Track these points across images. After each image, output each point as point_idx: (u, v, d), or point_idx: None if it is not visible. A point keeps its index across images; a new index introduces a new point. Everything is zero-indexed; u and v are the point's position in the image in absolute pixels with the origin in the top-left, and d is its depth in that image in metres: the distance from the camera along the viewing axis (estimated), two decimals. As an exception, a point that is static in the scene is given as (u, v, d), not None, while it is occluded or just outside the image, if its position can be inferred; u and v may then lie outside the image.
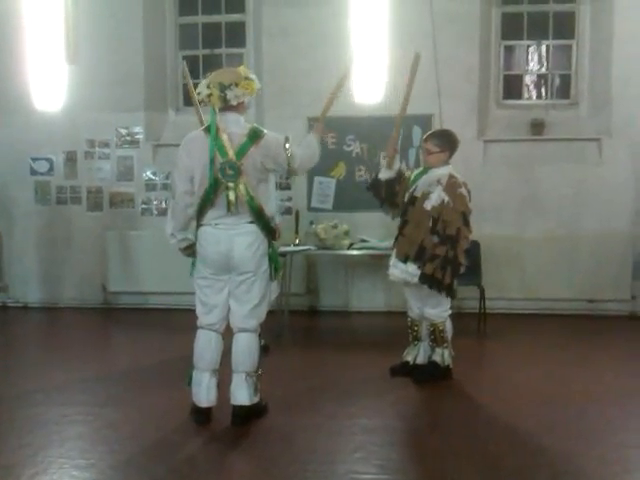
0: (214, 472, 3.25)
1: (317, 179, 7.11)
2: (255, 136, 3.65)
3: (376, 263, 6.72)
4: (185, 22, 7.67)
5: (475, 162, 6.92)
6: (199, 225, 3.74)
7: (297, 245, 6.32)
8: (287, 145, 3.71)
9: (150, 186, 7.41)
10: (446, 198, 4.35)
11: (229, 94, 3.59)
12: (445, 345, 4.58)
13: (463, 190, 4.42)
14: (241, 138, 3.63)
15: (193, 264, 3.85)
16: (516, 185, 6.95)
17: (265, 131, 3.73)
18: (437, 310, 4.53)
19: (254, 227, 3.67)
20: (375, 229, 6.64)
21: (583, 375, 4.82)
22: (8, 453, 3.44)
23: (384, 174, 4.70)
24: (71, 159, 7.52)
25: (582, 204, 6.88)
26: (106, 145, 7.48)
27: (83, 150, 7.50)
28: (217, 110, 3.62)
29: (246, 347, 3.75)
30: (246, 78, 3.67)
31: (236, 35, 7.58)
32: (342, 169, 7.11)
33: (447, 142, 4.51)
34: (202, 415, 3.81)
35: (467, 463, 3.29)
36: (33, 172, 7.58)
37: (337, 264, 7.15)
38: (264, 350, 4.74)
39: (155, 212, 7.44)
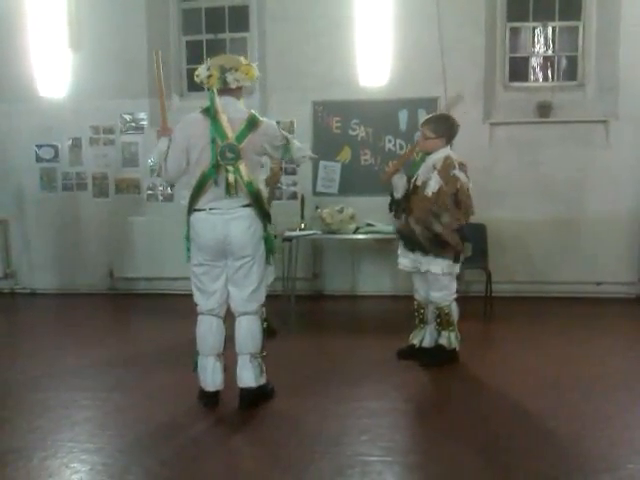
0: (222, 455, 3.27)
1: (322, 163, 7.10)
2: (254, 121, 3.68)
3: (382, 247, 6.72)
4: (188, 7, 7.63)
5: (481, 145, 6.90)
6: (193, 211, 3.70)
7: (303, 230, 6.31)
8: (281, 130, 3.88)
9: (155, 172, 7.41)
10: (442, 182, 4.36)
11: (229, 77, 3.64)
12: (451, 328, 4.58)
13: (457, 172, 4.37)
14: (241, 122, 3.64)
15: (188, 249, 3.82)
16: (523, 168, 6.92)
17: (262, 118, 3.77)
18: (442, 293, 4.53)
19: (249, 211, 3.68)
20: (381, 213, 6.57)
21: (590, 358, 4.82)
22: (18, 437, 3.47)
23: (398, 193, 4.66)
24: (76, 145, 7.53)
25: (589, 186, 6.85)
26: (111, 131, 7.48)
27: (88, 136, 7.51)
28: (216, 92, 3.62)
29: (249, 329, 3.78)
30: (248, 64, 3.73)
31: (240, 19, 7.53)
32: (347, 153, 7.09)
33: (444, 128, 4.48)
34: (210, 399, 3.84)
35: (473, 445, 3.30)
36: (39, 159, 7.59)
37: (343, 248, 7.15)
38: (272, 334, 4.84)
39: (161, 198, 7.45)
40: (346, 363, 4.73)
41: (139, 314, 6.70)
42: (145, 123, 7.39)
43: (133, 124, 7.43)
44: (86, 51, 7.28)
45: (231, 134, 3.58)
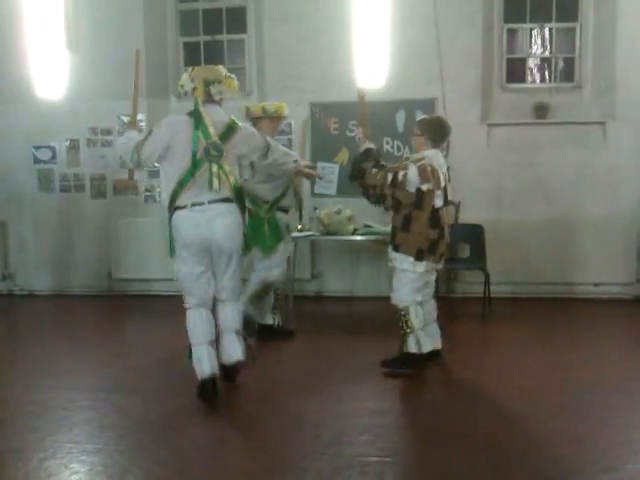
0: (221, 456, 3.28)
1: (320, 164, 7.08)
2: (233, 125, 4.00)
3: (380, 248, 6.68)
4: (186, 8, 7.62)
5: (479, 146, 6.91)
6: (175, 209, 3.90)
7: (301, 231, 6.32)
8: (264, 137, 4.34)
9: (153, 173, 7.33)
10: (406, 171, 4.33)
11: (213, 90, 3.96)
12: (409, 331, 4.36)
13: (411, 168, 4.29)
14: (223, 125, 3.95)
15: (171, 243, 4.03)
16: (520, 169, 6.92)
17: (240, 123, 4.10)
18: (398, 294, 4.41)
19: (231, 206, 3.93)
20: (379, 214, 6.61)
21: (588, 358, 4.82)
22: (17, 437, 3.48)
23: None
24: (74, 147, 7.52)
25: (586, 188, 6.84)
26: (108, 132, 7.47)
27: (85, 138, 7.49)
28: (200, 101, 3.93)
29: (235, 309, 4.12)
30: (227, 77, 4.05)
31: (237, 21, 7.52)
32: (345, 154, 7.08)
33: (427, 127, 4.47)
34: (208, 386, 3.94)
35: (472, 446, 3.30)
36: (36, 160, 7.57)
37: (341, 250, 7.14)
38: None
39: (158, 199, 7.42)
40: (345, 364, 4.73)
41: (137, 315, 6.70)
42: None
43: (130, 125, 7.40)
44: (83, 52, 7.26)
45: (215, 135, 3.86)
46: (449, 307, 6.46)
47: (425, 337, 4.43)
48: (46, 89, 7.32)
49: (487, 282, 6.11)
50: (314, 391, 4.15)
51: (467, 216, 6.67)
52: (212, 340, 4.02)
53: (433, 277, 4.59)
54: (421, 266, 4.35)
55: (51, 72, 7.28)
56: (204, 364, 3.94)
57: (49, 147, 7.56)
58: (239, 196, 3.98)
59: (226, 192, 3.88)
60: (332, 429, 3.53)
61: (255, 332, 5.22)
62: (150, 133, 3.97)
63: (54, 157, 7.57)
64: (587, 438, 3.37)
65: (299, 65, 7.00)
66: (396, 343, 4.85)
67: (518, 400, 3.94)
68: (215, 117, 3.93)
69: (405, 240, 4.36)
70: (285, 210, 5.29)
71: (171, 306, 6.76)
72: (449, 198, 4.52)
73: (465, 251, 6.62)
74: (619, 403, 3.89)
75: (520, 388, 4.16)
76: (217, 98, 4.00)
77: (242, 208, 4.02)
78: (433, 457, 3.20)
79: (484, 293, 6.12)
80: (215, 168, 3.82)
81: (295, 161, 4.64)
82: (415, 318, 4.38)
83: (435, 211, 4.34)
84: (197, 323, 4.00)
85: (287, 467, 3.10)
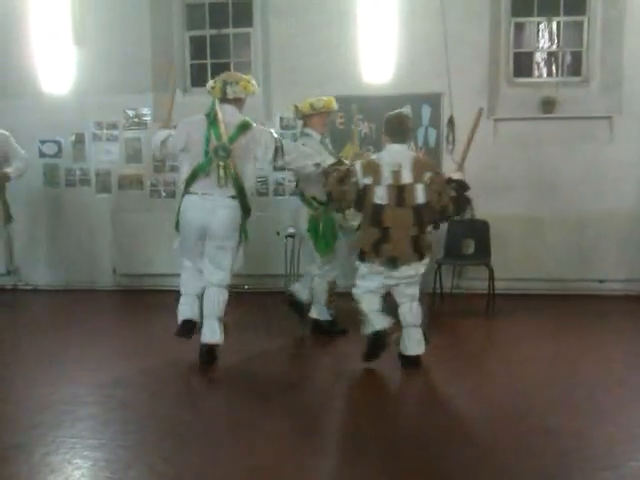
0: (225, 449, 3.28)
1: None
2: (245, 126, 4.45)
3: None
4: (192, 2, 7.60)
5: (485, 141, 6.84)
6: (186, 193, 4.46)
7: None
8: (278, 138, 4.65)
9: (158, 168, 7.39)
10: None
11: (228, 89, 4.43)
12: (362, 318, 4.44)
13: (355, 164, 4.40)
14: (234, 126, 4.41)
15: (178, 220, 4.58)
16: (526, 164, 6.89)
17: (254, 124, 4.52)
18: (354, 288, 4.47)
19: (234, 202, 4.40)
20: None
21: (592, 355, 4.81)
22: (20, 433, 3.48)
23: None
24: (79, 141, 7.53)
25: (593, 183, 6.81)
26: (114, 127, 7.47)
27: (91, 132, 7.50)
28: (218, 100, 4.42)
29: (221, 297, 4.52)
30: (247, 81, 4.53)
31: (243, 14, 7.50)
32: (351, 150, 7.04)
33: (385, 124, 4.47)
34: (186, 326, 4.58)
35: (473, 443, 3.31)
36: (42, 155, 7.59)
37: (345, 245, 7.10)
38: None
39: (164, 194, 7.43)
40: (344, 361, 4.72)
41: (142, 310, 6.70)
42: (148, 119, 7.37)
43: (136, 120, 7.41)
44: (89, 47, 7.25)
45: (225, 136, 4.34)
46: (453, 303, 6.46)
47: (377, 316, 4.37)
48: (52, 84, 7.35)
49: (492, 278, 6.09)
50: (313, 386, 4.17)
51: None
52: (199, 294, 4.56)
53: (391, 283, 4.38)
54: (364, 267, 4.34)
55: (57, 67, 7.32)
56: (187, 308, 4.59)
57: (55, 141, 7.57)
58: (241, 193, 4.42)
59: (231, 190, 4.36)
60: (332, 427, 3.54)
61: (340, 330, 5.32)
62: (175, 129, 4.57)
63: (60, 151, 7.58)
64: (590, 434, 3.37)
65: (305, 59, 6.97)
66: (393, 341, 4.86)
67: (520, 396, 3.94)
68: (229, 118, 4.40)
69: (356, 240, 4.46)
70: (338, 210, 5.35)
71: (176, 301, 6.80)
72: (413, 200, 4.24)
73: (470, 247, 6.60)
74: (623, 400, 3.89)
75: (523, 384, 4.16)
76: (231, 97, 4.44)
77: (244, 206, 4.44)
78: (433, 455, 3.19)
79: (489, 289, 6.10)
80: (222, 167, 4.29)
81: (317, 164, 4.76)
82: (367, 305, 4.40)
83: (376, 208, 4.21)
84: (189, 278, 4.63)
85: (289, 464, 3.10)
